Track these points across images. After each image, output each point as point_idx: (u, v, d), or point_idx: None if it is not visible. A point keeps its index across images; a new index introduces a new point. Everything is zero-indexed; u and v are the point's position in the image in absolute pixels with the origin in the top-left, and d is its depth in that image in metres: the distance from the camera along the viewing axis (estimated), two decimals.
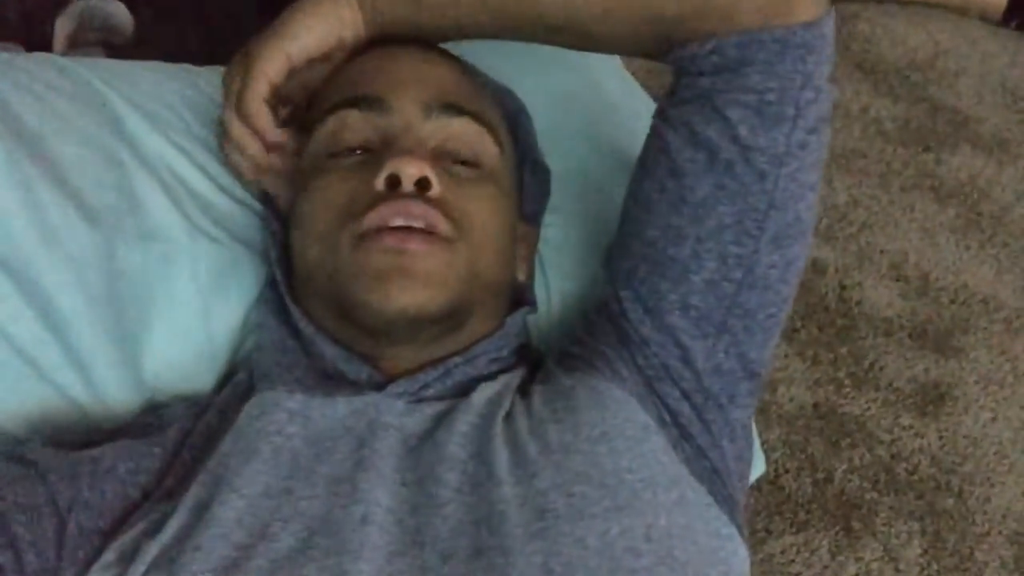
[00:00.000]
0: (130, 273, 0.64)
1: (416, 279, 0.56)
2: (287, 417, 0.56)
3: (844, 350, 1.01)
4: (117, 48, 0.98)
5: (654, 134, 0.62)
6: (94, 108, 0.69)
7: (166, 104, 0.73)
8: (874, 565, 0.84)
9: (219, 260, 0.68)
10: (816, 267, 1.10)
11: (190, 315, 0.66)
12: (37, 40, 0.99)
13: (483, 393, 0.59)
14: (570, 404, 0.56)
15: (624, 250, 0.63)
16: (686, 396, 0.60)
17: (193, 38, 1.00)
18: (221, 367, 0.68)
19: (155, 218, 0.66)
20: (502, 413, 0.57)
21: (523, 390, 0.61)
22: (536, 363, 0.67)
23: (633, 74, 0.94)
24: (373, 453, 0.54)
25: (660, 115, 0.61)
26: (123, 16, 1.01)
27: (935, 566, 0.85)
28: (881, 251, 1.13)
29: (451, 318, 0.58)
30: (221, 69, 0.82)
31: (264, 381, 0.60)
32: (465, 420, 0.56)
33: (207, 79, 0.78)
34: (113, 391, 0.63)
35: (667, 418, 0.59)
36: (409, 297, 0.55)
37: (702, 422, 0.60)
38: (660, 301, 0.60)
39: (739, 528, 0.57)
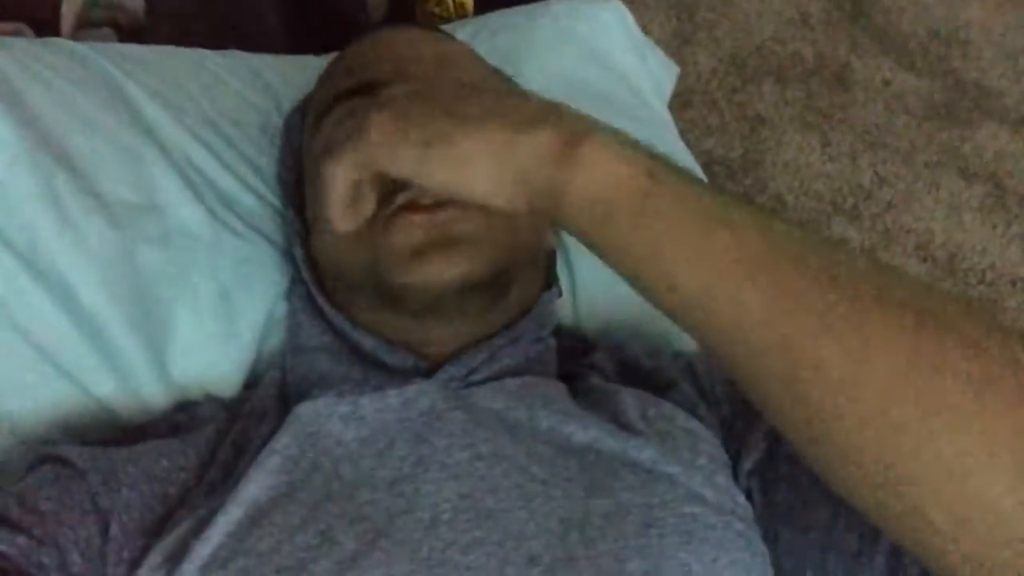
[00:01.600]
0: (152, 271, 0.63)
1: (456, 248, 0.54)
2: (342, 424, 0.54)
3: None
4: (127, 29, 0.95)
5: None
6: (111, 99, 0.67)
7: (184, 93, 0.71)
8: None
9: (242, 256, 0.67)
10: None
11: (213, 315, 0.65)
12: (44, 18, 0.96)
13: (539, 380, 0.57)
14: (690, 424, 0.54)
15: (769, 480, 0.53)
16: None
17: (205, 18, 0.97)
18: (248, 363, 0.67)
19: (177, 214, 0.65)
20: (590, 399, 0.55)
21: (623, 380, 0.59)
22: (576, 349, 0.65)
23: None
24: (433, 449, 0.52)
25: None
26: None
27: None
28: (907, 230, 1.11)
29: (497, 283, 0.57)
30: (236, 53, 0.80)
31: (308, 384, 0.59)
32: (539, 401, 0.55)
33: (224, 65, 0.76)
34: (141, 388, 0.62)
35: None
36: (454, 268, 0.54)
37: None
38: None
39: None
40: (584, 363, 0.62)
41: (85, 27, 0.93)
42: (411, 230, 0.54)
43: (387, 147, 0.43)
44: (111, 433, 0.60)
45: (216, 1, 1.04)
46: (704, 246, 0.38)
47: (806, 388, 0.35)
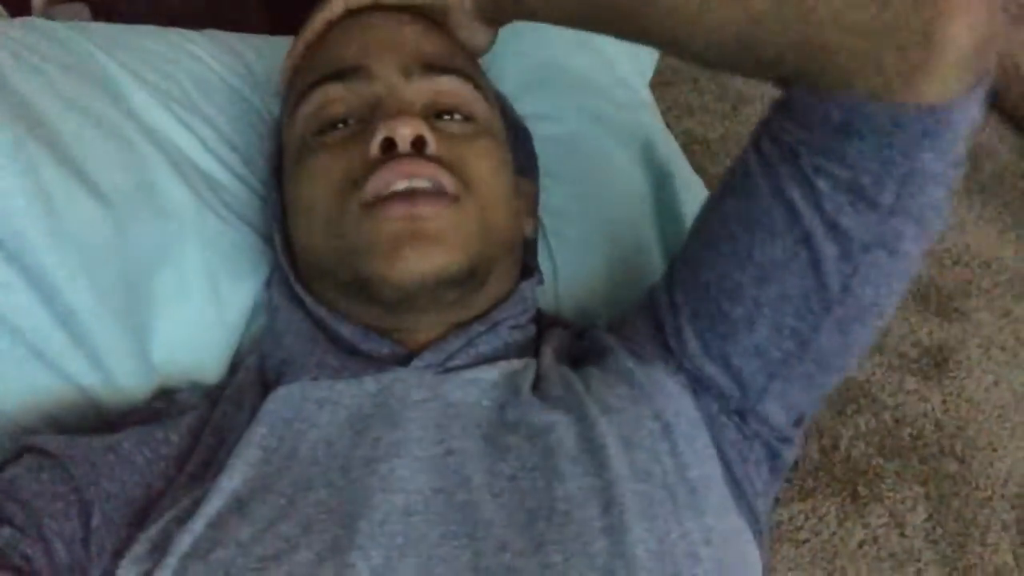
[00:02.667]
0: (139, 257, 0.62)
1: (432, 242, 0.54)
2: (316, 407, 0.55)
3: None
4: (101, 5, 0.93)
5: (744, 158, 0.55)
6: (97, 82, 0.66)
7: (167, 75, 0.71)
8: (880, 531, 0.85)
9: (229, 241, 0.66)
10: None
11: (200, 298, 0.64)
12: None
13: (514, 364, 0.58)
14: (632, 392, 0.55)
15: (677, 274, 0.59)
16: (726, 414, 0.57)
17: None
18: (232, 349, 0.67)
19: (166, 196, 0.64)
20: (547, 385, 0.56)
21: (571, 361, 0.60)
22: (548, 326, 0.66)
23: None
24: (407, 437, 0.53)
25: (755, 141, 0.54)
26: None
27: (940, 530, 0.86)
28: None
29: (472, 278, 0.57)
30: (217, 33, 0.79)
31: (285, 370, 0.59)
32: (508, 392, 0.56)
33: (206, 47, 0.75)
34: (123, 377, 0.61)
35: (707, 420, 0.57)
36: (428, 262, 0.54)
37: (737, 437, 0.57)
38: (701, 346, 0.56)
39: (760, 548, 0.56)
40: (544, 338, 0.63)
41: (58, 1, 0.91)
42: (388, 222, 0.54)
43: None
44: (93, 421, 0.60)
45: None
46: None
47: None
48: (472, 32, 0.64)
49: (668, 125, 0.93)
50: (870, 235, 0.50)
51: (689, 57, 0.55)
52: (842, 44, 0.47)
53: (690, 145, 1.14)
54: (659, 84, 1.05)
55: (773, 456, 0.58)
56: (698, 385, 0.57)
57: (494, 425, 0.54)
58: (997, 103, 1.28)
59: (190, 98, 0.70)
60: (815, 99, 0.49)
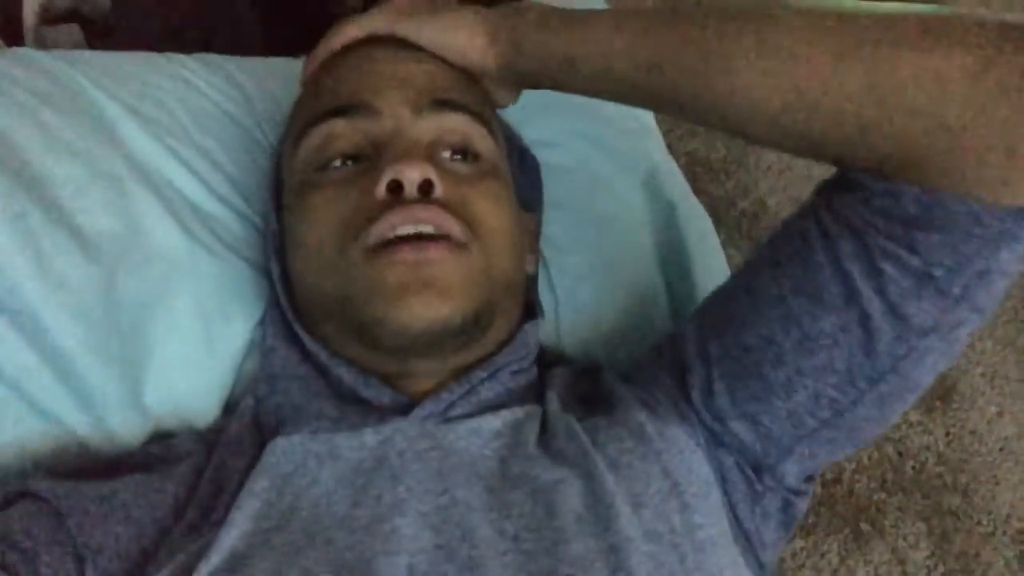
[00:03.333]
0: (130, 301, 0.61)
1: (438, 291, 0.53)
2: (317, 462, 0.53)
3: None
4: (94, 25, 0.91)
5: (801, 224, 0.53)
6: (85, 117, 0.64)
7: (158, 104, 0.69)
8: (883, 568, 0.84)
9: (221, 279, 0.65)
10: None
11: (192, 340, 0.63)
12: (7, 11, 0.92)
13: (517, 413, 0.57)
14: (641, 448, 0.54)
15: (712, 327, 0.57)
16: (741, 468, 0.57)
17: (175, 14, 0.93)
18: (226, 389, 0.65)
19: (155, 238, 0.63)
20: (553, 438, 0.55)
21: (578, 407, 0.59)
22: (553, 364, 0.64)
23: None
24: (410, 492, 0.51)
25: (813, 209, 0.53)
26: None
27: (941, 568, 0.85)
28: None
29: (476, 325, 0.56)
30: (211, 57, 0.77)
31: (283, 417, 0.58)
32: (511, 442, 0.54)
33: (199, 72, 0.73)
34: (116, 421, 0.60)
35: (719, 475, 0.56)
36: (434, 311, 0.53)
37: (750, 491, 0.56)
38: (730, 404, 0.55)
39: None
40: (546, 380, 0.62)
41: (50, 22, 0.89)
42: (393, 267, 0.53)
43: (398, 16, 0.61)
44: (86, 464, 0.58)
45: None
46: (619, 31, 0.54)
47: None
48: (495, 93, 0.64)
49: (670, 146, 0.91)
50: (931, 322, 0.49)
51: (747, 139, 0.54)
52: (927, 140, 0.46)
53: (693, 167, 1.12)
54: None
55: (786, 508, 0.58)
56: (717, 440, 0.56)
57: (496, 477, 0.53)
58: None
59: (184, 128, 0.69)
60: (890, 187, 0.48)
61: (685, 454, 0.54)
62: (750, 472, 0.56)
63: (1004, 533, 0.88)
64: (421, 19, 0.60)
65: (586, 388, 0.62)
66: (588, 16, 0.56)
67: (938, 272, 0.47)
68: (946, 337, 0.50)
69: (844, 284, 0.50)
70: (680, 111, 0.55)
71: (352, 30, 0.62)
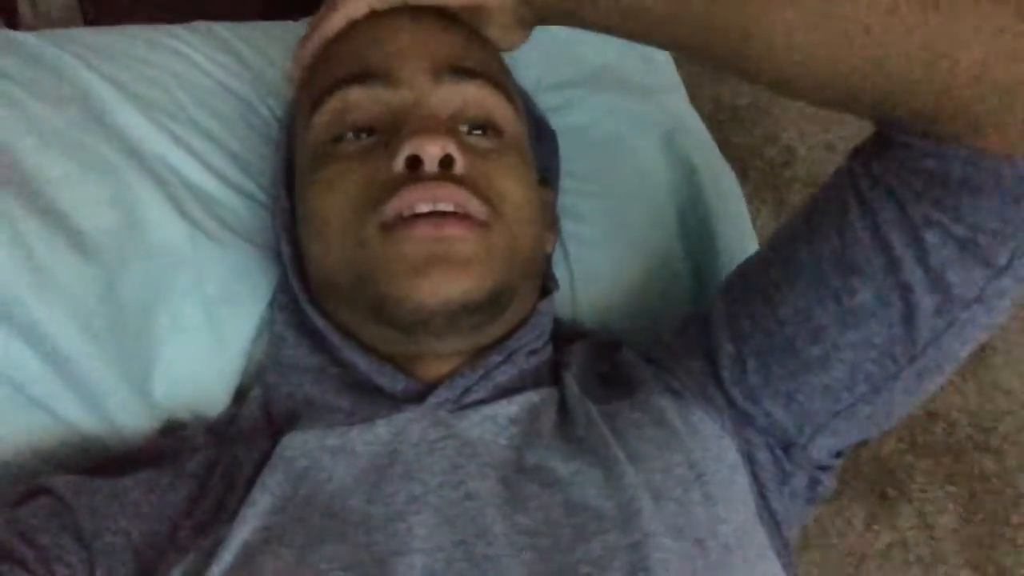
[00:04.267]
0: (132, 298, 0.60)
1: (460, 267, 0.51)
2: (331, 457, 0.53)
3: None
4: None
5: (838, 193, 0.51)
6: (77, 103, 0.62)
7: (155, 83, 0.66)
8: (909, 534, 0.83)
9: (226, 266, 0.63)
10: None
11: (198, 332, 0.62)
12: None
13: (533, 398, 0.55)
14: (663, 434, 0.53)
15: (743, 302, 0.55)
16: (770, 447, 0.55)
17: None
18: (236, 376, 0.64)
19: (156, 230, 0.61)
20: (571, 427, 0.54)
21: (598, 386, 0.57)
22: (570, 338, 0.63)
23: None
24: (425, 488, 0.51)
25: (851, 176, 0.51)
26: None
27: (970, 531, 0.84)
28: None
29: (495, 304, 0.54)
30: (207, 26, 0.74)
31: (294, 409, 0.57)
32: (527, 430, 0.53)
33: (196, 45, 0.70)
34: (125, 419, 0.60)
35: (746, 457, 0.55)
36: (454, 287, 0.51)
37: (778, 471, 0.55)
38: (764, 382, 0.53)
39: None
40: (563, 358, 0.61)
41: None
42: (414, 244, 0.51)
43: None
44: (97, 460, 0.58)
45: None
46: None
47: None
48: (505, 32, 0.59)
49: (691, 93, 0.87)
50: (973, 292, 0.47)
51: (788, 93, 0.50)
52: (981, 96, 0.44)
53: (716, 114, 1.08)
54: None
55: (813, 485, 0.57)
56: (746, 421, 0.54)
57: (512, 468, 0.52)
58: None
59: (182, 107, 0.66)
60: (932, 147, 0.46)
61: (710, 441, 0.53)
62: (779, 451, 0.55)
63: None
64: None
65: (606, 367, 0.61)
66: None
67: (983, 240, 0.46)
68: (989, 308, 0.48)
69: (884, 254, 0.48)
70: (706, 51, 0.50)
71: (361, 5, 0.57)
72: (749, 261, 0.57)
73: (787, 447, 0.55)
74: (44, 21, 0.81)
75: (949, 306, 0.48)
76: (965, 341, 0.50)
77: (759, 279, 0.55)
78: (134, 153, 0.63)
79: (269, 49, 0.74)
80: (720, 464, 0.53)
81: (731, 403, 0.55)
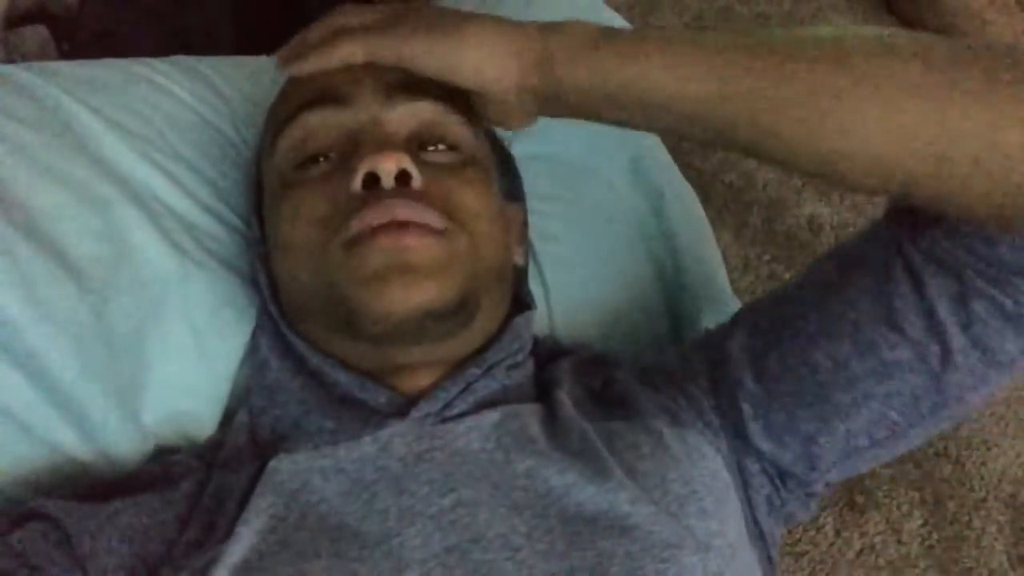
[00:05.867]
0: (123, 327, 0.60)
1: (420, 274, 0.52)
2: (322, 478, 0.53)
3: None
4: (61, 23, 0.89)
5: (881, 251, 0.52)
6: (64, 134, 0.63)
7: (137, 114, 0.68)
8: (878, 539, 0.85)
9: (212, 293, 0.64)
10: (812, 225, 1.07)
11: (187, 359, 0.63)
12: None
13: (515, 409, 0.56)
14: (658, 453, 0.54)
15: (770, 343, 0.55)
16: (767, 475, 0.56)
17: (141, 11, 0.91)
18: (224, 400, 0.65)
19: (145, 258, 0.62)
20: (564, 439, 0.54)
21: (592, 406, 0.58)
22: (552, 355, 0.64)
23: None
24: (415, 499, 0.51)
25: (895, 241, 0.51)
26: None
27: (936, 535, 0.87)
28: (877, 204, 1.11)
29: (461, 310, 0.55)
30: (184, 60, 0.75)
31: (280, 431, 0.58)
32: (513, 434, 0.54)
33: (174, 77, 0.72)
34: (116, 445, 0.60)
35: (740, 480, 0.56)
36: (417, 294, 0.52)
37: (773, 495, 0.57)
38: (787, 423, 0.54)
39: None
40: (550, 376, 0.61)
41: (15, 23, 0.87)
42: (374, 254, 0.52)
43: (403, 40, 0.54)
44: (86, 486, 0.58)
45: None
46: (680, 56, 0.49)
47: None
48: (506, 116, 0.57)
49: None
50: (1010, 358, 0.49)
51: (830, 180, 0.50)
52: None
53: (678, 142, 1.11)
54: None
55: (802, 508, 0.59)
56: (750, 449, 0.56)
57: (502, 471, 0.53)
58: None
59: (165, 138, 0.68)
60: (985, 233, 0.47)
61: (706, 461, 0.54)
62: (777, 479, 0.56)
63: (996, 498, 0.90)
64: (432, 39, 0.53)
65: (597, 384, 0.62)
66: (646, 39, 0.51)
67: None
68: (1018, 369, 0.50)
69: (928, 317, 0.49)
70: (751, 149, 0.49)
71: (349, 51, 0.55)
72: (773, 300, 0.58)
73: (785, 477, 0.56)
74: (18, 56, 0.82)
75: (984, 369, 0.49)
76: (985, 394, 0.51)
77: (787, 323, 0.55)
78: (121, 182, 0.63)
79: (243, 82, 0.76)
80: (715, 482, 0.54)
81: (740, 434, 0.55)
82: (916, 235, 0.50)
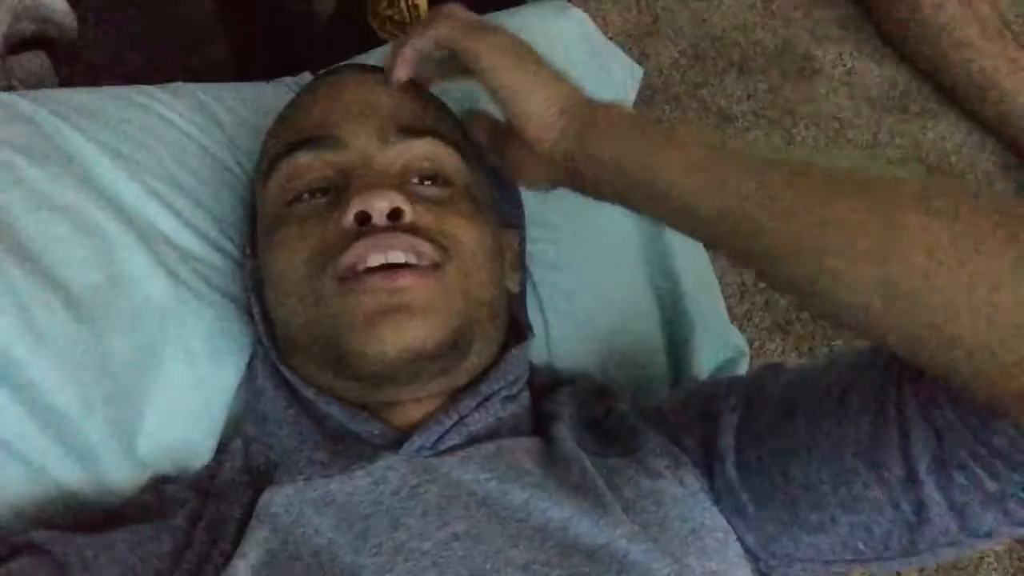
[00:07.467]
0: (120, 357, 0.60)
1: (412, 315, 0.52)
2: (315, 511, 0.53)
3: (840, 342, 1.00)
4: (60, 49, 0.89)
5: (881, 388, 0.49)
6: (63, 162, 0.63)
7: (135, 141, 0.68)
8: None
9: (210, 323, 0.64)
10: None
11: (184, 388, 0.62)
12: None
13: (509, 443, 0.56)
14: (658, 491, 0.53)
15: (757, 435, 0.54)
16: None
17: (140, 37, 0.91)
18: (218, 429, 0.64)
19: (143, 289, 0.62)
20: (564, 472, 0.54)
21: (593, 441, 0.58)
22: (551, 385, 0.64)
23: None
24: (410, 534, 0.51)
25: (899, 382, 0.48)
26: (61, 7, 0.92)
27: (933, 565, 0.86)
28: None
29: (454, 349, 0.55)
30: (182, 87, 0.76)
31: (274, 461, 0.57)
32: (508, 466, 0.54)
33: (173, 105, 0.72)
34: (111, 475, 0.60)
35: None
36: (410, 336, 0.52)
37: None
38: (755, 512, 0.53)
39: None
40: (549, 408, 0.61)
41: (14, 50, 0.87)
42: (368, 296, 0.52)
43: (488, 48, 0.56)
44: (82, 517, 0.58)
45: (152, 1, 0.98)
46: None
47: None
48: (525, 165, 0.59)
49: None
50: (986, 529, 0.47)
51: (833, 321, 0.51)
52: None
53: None
54: (641, 101, 1.03)
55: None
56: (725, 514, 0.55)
57: (498, 502, 0.52)
58: None
59: (164, 166, 0.68)
60: (989, 416, 0.44)
61: (706, 504, 0.54)
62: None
63: None
64: (512, 62, 0.56)
65: (599, 418, 0.61)
66: (671, 138, 0.51)
67: (1012, 503, 0.45)
68: (998, 536, 0.48)
69: (907, 469, 0.47)
70: (747, 261, 0.49)
71: (446, 32, 0.57)
72: (774, 385, 0.55)
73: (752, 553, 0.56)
74: (17, 82, 0.82)
75: (960, 535, 0.48)
76: (963, 552, 0.50)
77: (776, 425, 0.53)
78: (119, 211, 0.64)
79: (241, 108, 0.76)
80: (716, 522, 0.54)
81: (716, 501, 0.55)
82: (919, 387, 0.47)
